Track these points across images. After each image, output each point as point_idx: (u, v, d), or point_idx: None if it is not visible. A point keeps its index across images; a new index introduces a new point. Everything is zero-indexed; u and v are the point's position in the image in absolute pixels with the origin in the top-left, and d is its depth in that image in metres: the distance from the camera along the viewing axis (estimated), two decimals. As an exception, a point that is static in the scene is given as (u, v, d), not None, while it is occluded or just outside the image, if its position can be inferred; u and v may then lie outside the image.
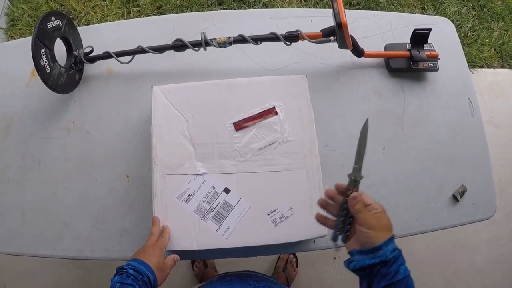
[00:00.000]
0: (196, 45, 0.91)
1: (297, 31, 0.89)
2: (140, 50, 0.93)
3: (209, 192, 0.81)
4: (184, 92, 0.86)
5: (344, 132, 0.94)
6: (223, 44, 0.90)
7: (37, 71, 0.86)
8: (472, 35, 2.09)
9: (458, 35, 1.05)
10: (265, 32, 0.94)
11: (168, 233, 0.78)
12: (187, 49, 0.92)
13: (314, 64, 0.98)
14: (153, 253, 0.71)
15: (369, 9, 1.97)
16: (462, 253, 1.77)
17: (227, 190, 0.81)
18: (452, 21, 2.04)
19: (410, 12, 2.07)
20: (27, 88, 0.98)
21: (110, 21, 1.80)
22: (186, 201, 0.81)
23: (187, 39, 0.93)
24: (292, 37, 0.89)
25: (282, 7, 1.91)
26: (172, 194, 0.81)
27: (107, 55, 0.95)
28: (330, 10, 1.02)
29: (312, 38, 0.89)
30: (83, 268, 1.70)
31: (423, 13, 2.06)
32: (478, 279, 1.73)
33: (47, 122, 0.97)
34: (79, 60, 0.97)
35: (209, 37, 0.91)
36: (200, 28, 1.01)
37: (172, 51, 0.93)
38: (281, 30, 0.99)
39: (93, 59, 0.97)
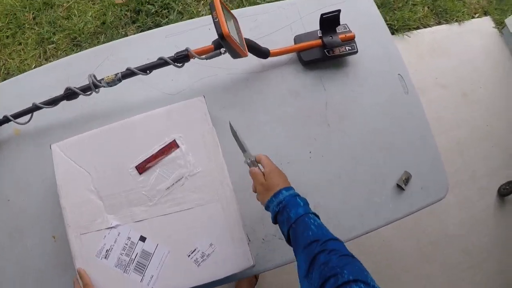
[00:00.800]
0: (86, 89, 0.86)
1: (186, 49, 0.82)
2: (35, 107, 0.89)
3: (126, 244, 0.78)
4: (82, 144, 0.82)
5: (265, 145, 0.87)
6: (112, 82, 0.84)
7: None
8: (402, -3, 1.94)
9: (386, 0, 0.93)
10: (164, 52, 0.87)
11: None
12: (80, 96, 0.87)
13: (220, 77, 0.91)
14: None
15: None
16: (432, 221, 1.66)
17: (142, 238, 0.78)
18: None
19: None
20: None
21: (28, 64, 1.76)
22: (105, 257, 0.78)
23: (84, 79, 0.87)
24: (182, 58, 0.82)
25: (198, 11, 1.80)
26: (90, 252, 0.79)
27: (5, 119, 0.91)
28: (258, 7, 0.93)
29: (202, 53, 0.81)
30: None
31: None
32: (454, 244, 1.63)
33: None
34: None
35: (103, 74, 0.85)
36: (95, 64, 0.95)
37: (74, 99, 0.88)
38: (179, 47, 0.92)
39: (-13, 127, 0.93)
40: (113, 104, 0.94)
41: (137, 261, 0.77)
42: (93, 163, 0.81)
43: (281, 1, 0.96)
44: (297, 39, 0.89)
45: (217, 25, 0.74)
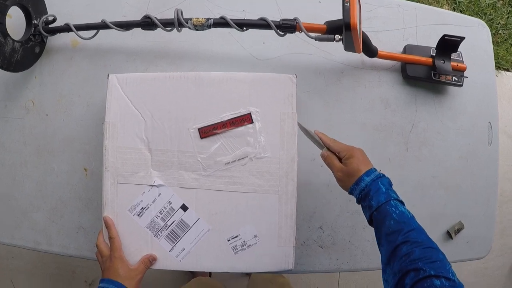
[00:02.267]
0: (167, 24, 0.75)
1: (294, 19, 0.70)
2: (103, 25, 0.78)
3: (164, 207, 0.71)
4: (145, 85, 0.72)
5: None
6: (200, 26, 0.73)
7: None
8: (504, 33, 1.81)
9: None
10: (262, 10, 0.76)
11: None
12: (158, 28, 0.76)
13: (314, 58, 0.80)
14: (116, 267, 0.68)
15: None
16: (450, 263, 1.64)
17: (184, 208, 0.71)
18: (485, 14, 1.74)
19: None
20: None
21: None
22: (138, 215, 0.72)
23: (166, 10, 0.76)
24: (287, 27, 0.71)
25: None
26: (123, 205, 0.72)
27: (67, 28, 0.81)
28: None
29: (313, 31, 0.70)
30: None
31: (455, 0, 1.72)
32: None
33: (6, 98, 0.88)
34: (38, 32, 0.83)
35: (188, 14, 0.74)
36: (169, 3, 0.83)
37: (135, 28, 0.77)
38: (281, 10, 0.82)
39: (53, 31, 0.83)
40: (189, 48, 0.83)
41: (172, 229, 0.71)
42: (151, 109, 0.72)
43: (403, 0, 0.83)
44: (408, 49, 0.78)
45: (346, 12, 0.63)
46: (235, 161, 0.70)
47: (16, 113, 0.87)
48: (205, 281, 1.13)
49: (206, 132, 0.70)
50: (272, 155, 0.69)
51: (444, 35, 0.73)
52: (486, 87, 0.81)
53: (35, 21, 0.84)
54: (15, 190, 0.86)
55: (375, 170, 0.63)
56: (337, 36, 0.68)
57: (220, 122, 0.70)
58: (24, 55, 0.82)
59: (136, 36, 0.84)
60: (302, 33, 0.71)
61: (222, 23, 0.73)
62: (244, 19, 0.73)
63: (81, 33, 0.80)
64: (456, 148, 0.79)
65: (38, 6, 0.85)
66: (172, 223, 0.71)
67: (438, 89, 0.79)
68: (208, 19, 0.73)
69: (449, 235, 0.77)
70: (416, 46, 0.78)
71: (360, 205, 0.64)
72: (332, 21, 0.70)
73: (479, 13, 1.78)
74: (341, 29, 0.67)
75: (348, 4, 0.63)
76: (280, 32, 0.72)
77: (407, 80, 0.79)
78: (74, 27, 0.80)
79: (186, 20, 0.74)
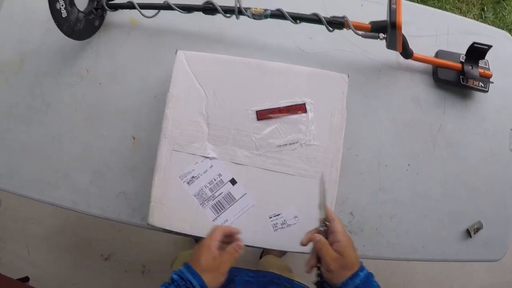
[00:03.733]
0: (228, 11, 0.83)
1: (343, 17, 0.79)
2: (166, 6, 0.86)
3: (214, 179, 0.77)
4: (210, 64, 0.79)
5: (372, 138, 0.87)
6: (258, 16, 0.81)
7: (52, 14, 0.80)
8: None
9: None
10: (309, 6, 0.84)
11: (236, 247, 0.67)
12: (218, 14, 0.83)
13: (356, 56, 0.89)
14: (199, 253, 0.64)
15: None
16: (460, 276, 1.72)
17: (233, 181, 0.77)
18: (510, 30, 1.87)
19: (468, 11, 1.88)
20: (48, 23, 0.92)
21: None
22: (188, 183, 0.77)
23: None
24: (337, 24, 0.80)
25: None
26: (175, 171, 0.78)
27: (130, 5, 0.88)
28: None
29: (359, 29, 0.79)
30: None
31: (482, 14, 1.88)
32: None
33: (61, 65, 0.93)
34: (101, 6, 0.89)
35: (245, 4, 0.82)
36: None
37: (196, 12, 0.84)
38: (326, 9, 0.90)
39: (115, 7, 0.90)
40: (242, 35, 0.91)
41: (218, 200, 0.76)
42: (213, 88, 0.78)
43: (437, 10, 0.94)
44: (440, 54, 0.88)
45: (393, 12, 0.73)
46: (286, 145, 0.77)
47: (69, 79, 0.92)
48: None
49: (263, 114, 0.77)
50: (320, 144, 0.76)
51: (474, 43, 0.82)
52: (508, 94, 0.90)
53: (101, -5, 0.90)
54: (59, 151, 0.90)
55: (363, 266, 0.62)
56: (382, 35, 0.78)
57: (277, 107, 0.77)
58: (85, 26, 0.89)
59: (194, 20, 0.90)
60: (346, 31, 0.80)
61: (278, 14, 0.81)
62: (298, 13, 0.81)
63: (144, 11, 0.87)
64: (479, 151, 0.87)
65: (102, -19, 0.92)
66: (219, 195, 0.77)
67: (465, 93, 0.88)
68: (265, 9, 0.81)
69: (468, 233, 0.84)
70: (447, 51, 0.88)
71: None
72: (376, 21, 0.79)
73: (504, 28, 1.88)
74: (384, 29, 0.77)
75: (395, 6, 0.73)
76: (330, 28, 0.81)
77: (437, 82, 0.88)
78: (138, 4, 0.87)
79: (246, 8, 0.81)
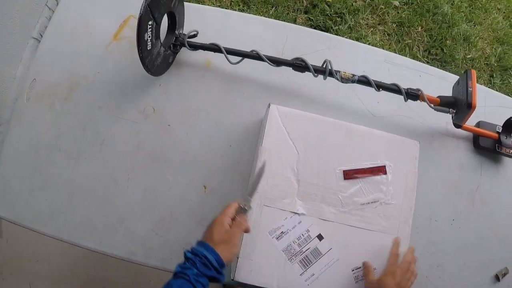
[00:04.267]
0: (318, 71, 0.86)
1: (418, 90, 0.89)
2: (255, 56, 0.86)
3: (302, 234, 0.80)
4: (302, 122, 0.82)
5: (425, 196, 0.97)
6: (346, 80, 0.87)
7: (138, 46, 0.75)
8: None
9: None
10: (376, 73, 0.93)
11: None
12: (306, 72, 0.86)
13: (414, 121, 1.00)
14: (212, 229, 0.67)
15: (445, 62, 2.02)
16: None
17: (320, 237, 0.80)
18: None
19: (479, 77, 2.16)
20: (106, 51, 0.85)
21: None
22: (277, 238, 0.78)
23: (298, 55, 0.87)
24: (412, 96, 0.89)
25: (366, 34, 1.91)
26: (265, 227, 0.78)
27: (215, 48, 0.86)
28: (440, 71, 1.04)
29: (431, 102, 0.89)
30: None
31: (491, 80, 2.17)
32: None
33: (122, 99, 0.86)
34: (180, 43, 0.85)
35: (314, 59, 0.87)
36: (314, 47, 0.97)
37: (285, 66, 0.86)
38: (392, 77, 0.99)
39: (196, 47, 0.86)
40: (318, 94, 0.95)
41: (306, 255, 0.79)
42: (304, 145, 0.81)
43: (481, 86, 1.09)
44: (481, 124, 1.02)
45: (470, 95, 0.85)
46: (369, 203, 0.83)
47: (132, 116, 0.86)
48: None
49: (349, 174, 0.82)
50: (397, 203, 0.84)
51: (510, 117, 0.99)
52: None
53: (177, 32, 0.86)
54: (113, 194, 0.83)
55: None
56: (451, 110, 0.89)
57: (362, 168, 0.83)
58: (162, 61, 0.83)
59: (269, 71, 0.92)
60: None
61: (363, 81, 0.88)
62: (381, 82, 0.89)
63: (229, 57, 0.86)
64: (507, 208, 1.03)
65: (181, 16, 0.88)
66: (307, 250, 0.79)
67: (499, 159, 1.04)
68: (353, 75, 0.88)
69: (497, 278, 1.00)
70: (487, 123, 1.04)
71: None
72: (444, 96, 0.92)
73: (509, 94, 2.12)
74: (451, 105, 0.91)
75: (471, 89, 0.85)
76: (406, 98, 0.90)
77: (476, 148, 1.03)
78: (225, 49, 0.85)
79: (336, 71, 0.86)
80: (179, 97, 0.88)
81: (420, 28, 2.03)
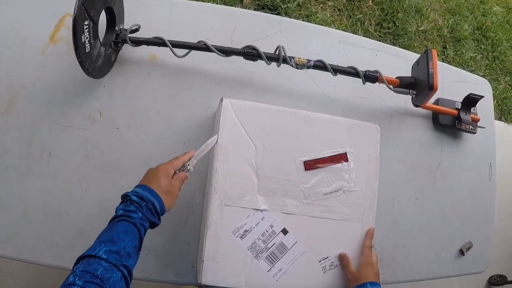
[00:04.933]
0: (271, 58, 0.83)
1: (377, 72, 0.87)
2: (203, 47, 0.81)
3: (266, 231, 0.78)
4: (258, 114, 0.79)
5: (385, 178, 0.97)
6: (301, 66, 0.84)
7: (75, 49, 0.69)
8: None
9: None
10: (331, 55, 0.91)
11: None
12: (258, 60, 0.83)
13: (371, 102, 0.99)
14: (158, 176, 0.67)
15: (397, 35, 2.00)
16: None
17: (285, 231, 0.79)
18: (468, 65, 2.17)
19: (432, 48, 2.16)
20: (42, 56, 0.79)
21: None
22: (241, 237, 0.77)
23: (248, 42, 0.83)
24: (371, 78, 0.88)
25: (316, 11, 1.86)
26: (227, 227, 0.76)
27: (159, 42, 0.81)
28: (396, 48, 1.02)
29: (391, 84, 0.87)
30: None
31: (444, 51, 2.19)
32: None
33: (65, 105, 0.81)
34: (121, 40, 0.79)
35: (266, 46, 0.83)
36: (265, 32, 0.93)
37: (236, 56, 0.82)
38: (347, 58, 0.97)
39: (138, 42, 0.81)
40: (272, 81, 0.92)
41: (272, 251, 0.78)
42: (262, 138, 0.78)
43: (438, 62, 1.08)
44: (440, 102, 1.02)
45: (431, 76, 0.84)
46: (332, 192, 0.81)
47: (78, 122, 0.80)
48: None
49: (310, 165, 0.80)
50: (360, 190, 0.83)
51: (470, 94, 0.99)
52: (488, 133, 1.09)
53: (117, 28, 0.80)
54: (69, 207, 0.79)
55: (379, 285, 0.76)
56: (412, 91, 0.88)
57: (322, 158, 0.81)
58: (104, 61, 0.78)
59: (218, 62, 0.88)
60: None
61: (320, 66, 0.86)
62: (338, 66, 0.87)
63: (175, 50, 0.81)
64: (467, 183, 1.05)
65: (121, 11, 0.82)
66: (272, 245, 0.78)
67: (457, 134, 1.06)
68: (309, 60, 0.85)
69: (461, 252, 1.02)
70: (446, 99, 1.04)
71: None
72: (403, 77, 0.91)
73: (462, 64, 2.18)
74: (411, 86, 0.90)
75: (432, 70, 0.84)
76: (364, 81, 0.88)
77: (436, 126, 1.03)
78: (169, 42, 0.80)
79: (290, 58, 0.83)
80: (125, 97, 0.83)
81: (371, 1, 2.01)
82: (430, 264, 1.00)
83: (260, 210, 0.77)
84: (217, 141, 0.74)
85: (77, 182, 0.78)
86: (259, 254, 0.77)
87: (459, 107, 1.03)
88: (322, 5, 1.92)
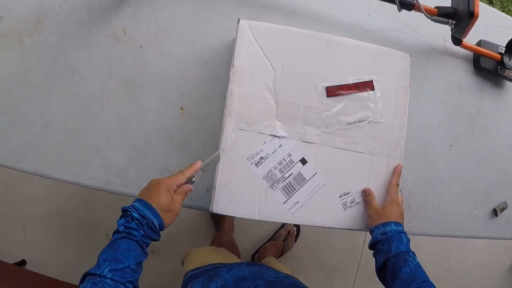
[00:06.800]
0: None
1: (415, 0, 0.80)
2: None
3: (284, 159, 0.73)
4: (277, 36, 0.74)
5: (419, 119, 0.90)
6: None
7: None
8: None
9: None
10: None
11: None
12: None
13: (408, 37, 0.91)
14: (159, 193, 0.64)
15: None
16: (458, 252, 1.83)
17: (303, 161, 0.74)
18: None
19: None
20: None
21: None
22: (256, 164, 0.72)
23: None
24: (407, 4, 0.80)
25: None
26: (242, 153, 0.72)
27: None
28: None
29: (429, 13, 0.80)
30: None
31: (490, 4, 2.01)
32: (462, 279, 1.82)
33: (91, 24, 0.80)
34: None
35: None
36: None
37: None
38: None
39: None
40: (301, 4, 0.87)
41: (289, 182, 0.73)
42: (281, 61, 0.73)
43: (483, 3, 0.99)
44: (483, 44, 0.93)
45: (472, 2, 0.75)
46: (356, 122, 0.76)
47: (102, 40, 0.79)
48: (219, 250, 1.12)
49: (332, 91, 0.75)
50: (387, 122, 0.77)
51: None
52: None
53: None
54: (89, 124, 0.78)
55: (403, 226, 0.71)
56: (451, 21, 0.80)
57: (346, 84, 0.75)
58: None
59: None
60: (403, 12, 0.81)
61: None
62: None
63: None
64: (508, 136, 0.96)
65: None
66: (289, 176, 0.73)
67: (499, 82, 0.96)
68: None
69: (495, 212, 0.93)
70: (489, 42, 0.94)
71: (372, 248, 0.71)
72: (442, 7, 0.82)
73: (508, 6, 2.00)
74: (451, 15, 0.81)
75: None
76: (400, 8, 0.80)
77: (477, 70, 0.94)
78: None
79: None
80: (150, 17, 0.80)
81: None
82: (460, 220, 0.91)
83: (278, 136, 0.73)
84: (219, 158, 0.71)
85: (98, 99, 0.78)
86: (275, 184, 0.73)
87: (503, 52, 0.93)
88: None
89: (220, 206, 0.72)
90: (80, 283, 0.57)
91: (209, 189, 0.79)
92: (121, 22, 0.79)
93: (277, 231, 1.59)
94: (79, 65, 0.78)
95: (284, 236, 1.56)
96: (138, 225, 0.60)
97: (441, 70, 0.91)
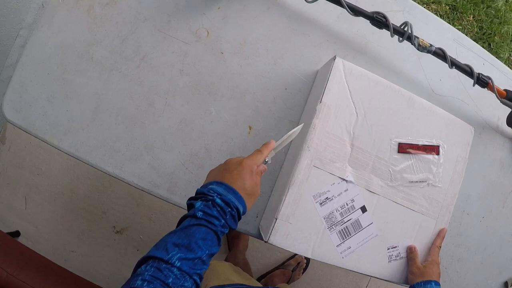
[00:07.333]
0: (397, 31, 0.78)
1: (489, 78, 0.84)
2: (337, 1, 0.75)
3: (346, 203, 0.74)
4: (366, 82, 0.75)
5: (464, 187, 0.91)
6: (423, 48, 0.80)
7: None
8: None
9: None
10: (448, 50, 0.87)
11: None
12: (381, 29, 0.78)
13: (469, 108, 0.95)
14: (243, 175, 0.57)
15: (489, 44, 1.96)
16: None
17: (364, 209, 0.75)
18: None
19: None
20: None
21: None
22: (321, 204, 0.72)
23: (372, 9, 0.79)
24: (482, 82, 0.84)
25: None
26: (310, 189, 0.72)
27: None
28: (504, 65, 1.00)
29: (499, 94, 0.84)
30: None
31: None
32: None
33: (173, 14, 0.75)
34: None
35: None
36: (389, 6, 0.87)
37: (363, 19, 0.77)
38: (457, 58, 0.93)
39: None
40: (385, 55, 0.88)
41: (346, 226, 0.74)
42: (365, 107, 0.74)
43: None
44: None
45: None
46: (417, 182, 0.78)
47: (182, 35, 0.75)
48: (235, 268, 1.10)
49: (404, 148, 0.76)
50: (443, 187, 0.80)
51: None
52: None
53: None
54: (147, 118, 0.73)
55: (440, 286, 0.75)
56: None
57: (417, 144, 0.77)
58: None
59: (340, 19, 0.83)
60: (468, 82, 0.85)
61: (439, 53, 0.81)
62: (456, 59, 0.82)
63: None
64: None
65: None
66: (348, 220, 0.74)
67: None
68: (431, 45, 0.80)
69: (505, 285, 0.99)
70: None
71: None
72: (510, 91, 0.86)
73: None
74: None
75: None
76: (476, 83, 0.84)
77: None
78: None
79: (415, 37, 0.79)
80: (238, 25, 0.77)
81: (471, 17, 1.97)
82: (475, 286, 0.96)
83: (346, 180, 0.73)
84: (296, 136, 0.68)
85: (164, 94, 0.73)
86: (333, 226, 0.73)
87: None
88: (425, 5, 1.87)
89: (277, 238, 0.70)
90: (139, 265, 0.49)
91: (259, 215, 0.78)
92: (207, 22, 0.75)
93: (287, 259, 1.58)
94: (150, 53, 0.72)
95: (293, 267, 1.55)
96: (220, 213, 0.54)
97: (490, 145, 0.96)
